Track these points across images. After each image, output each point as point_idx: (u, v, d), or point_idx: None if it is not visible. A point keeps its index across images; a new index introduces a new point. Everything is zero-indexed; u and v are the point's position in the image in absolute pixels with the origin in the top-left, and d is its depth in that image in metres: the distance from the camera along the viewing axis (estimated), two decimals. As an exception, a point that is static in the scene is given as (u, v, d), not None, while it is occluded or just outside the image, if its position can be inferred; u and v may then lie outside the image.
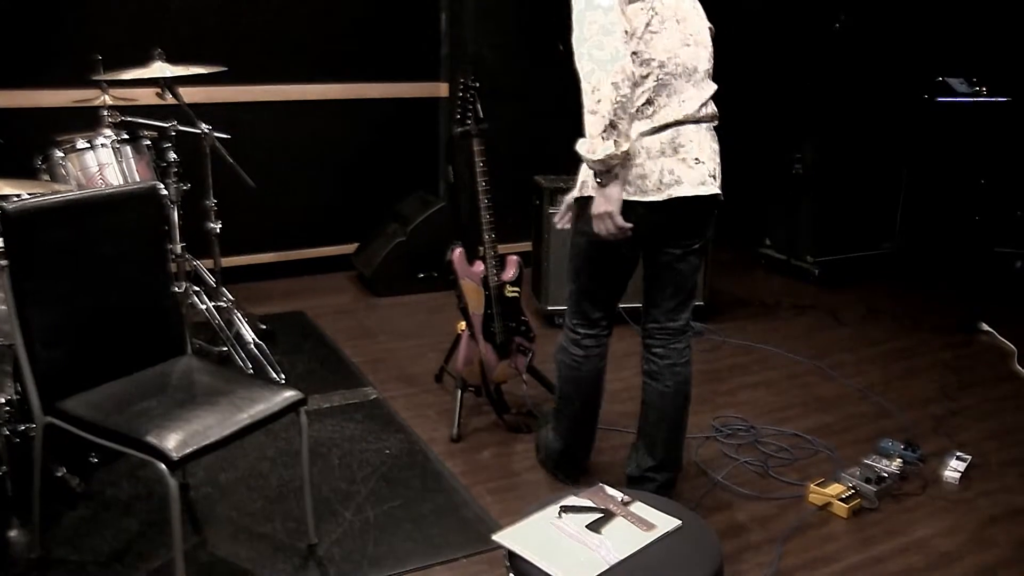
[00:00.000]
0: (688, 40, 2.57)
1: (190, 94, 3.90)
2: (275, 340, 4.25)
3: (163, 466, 2.23)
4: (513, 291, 3.44)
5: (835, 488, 3.08)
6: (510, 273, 3.51)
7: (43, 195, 2.52)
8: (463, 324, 3.63)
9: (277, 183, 5.03)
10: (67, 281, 2.49)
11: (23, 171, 3.53)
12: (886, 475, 3.15)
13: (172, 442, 2.26)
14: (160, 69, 3.66)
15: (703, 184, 2.58)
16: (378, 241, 5.13)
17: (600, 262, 2.73)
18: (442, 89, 5.42)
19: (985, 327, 4.70)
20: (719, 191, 2.64)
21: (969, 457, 3.34)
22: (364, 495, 3.04)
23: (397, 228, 5.08)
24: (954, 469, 3.28)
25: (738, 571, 2.70)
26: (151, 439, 2.26)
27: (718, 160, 2.65)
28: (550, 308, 4.60)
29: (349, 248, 5.34)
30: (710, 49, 2.65)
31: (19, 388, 2.90)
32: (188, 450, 2.26)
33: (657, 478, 2.89)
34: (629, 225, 2.53)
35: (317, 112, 5.12)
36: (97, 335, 2.57)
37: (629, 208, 2.53)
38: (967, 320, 4.79)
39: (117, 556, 2.64)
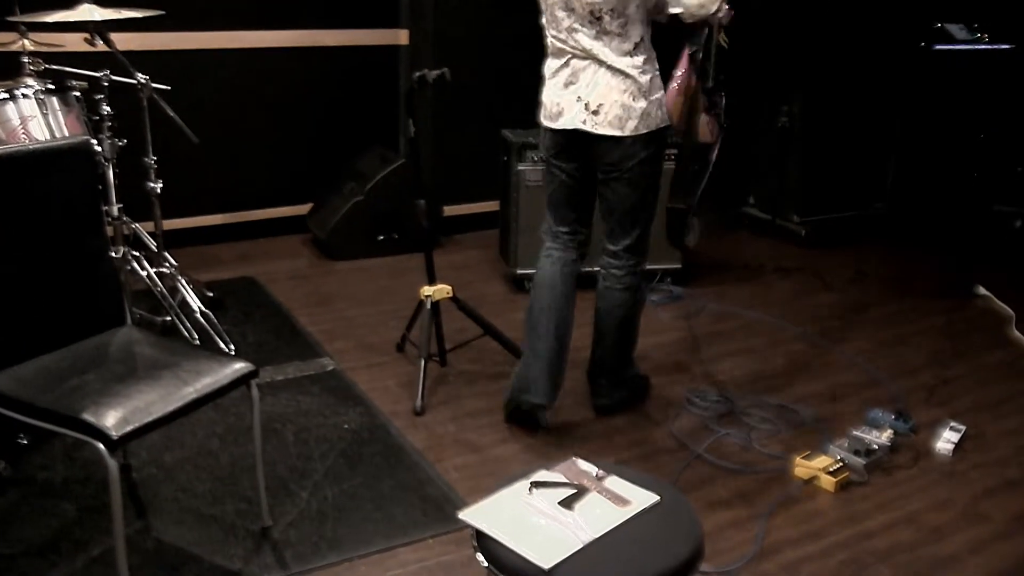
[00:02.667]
0: None
1: (124, 40, 3.81)
2: (223, 308, 4.22)
3: (101, 446, 2.21)
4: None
5: (822, 461, 3.12)
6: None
7: (-40, 151, 2.47)
8: (425, 289, 3.62)
9: (223, 138, 4.96)
10: (-9, 246, 2.45)
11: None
12: (876, 447, 3.19)
13: (111, 420, 2.24)
14: (88, 12, 3.55)
15: (584, 122, 3.05)
16: (334, 201, 5.09)
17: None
18: (402, 36, 5.36)
19: (982, 290, 4.76)
20: (606, 132, 3.03)
21: (963, 428, 3.40)
22: (321, 473, 3.03)
23: (354, 187, 5.05)
24: (947, 440, 3.33)
25: (720, 549, 2.73)
26: (87, 417, 2.24)
27: (616, 99, 3.00)
28: (519, 272, 4.60)
29: (303, 209, 5.30)
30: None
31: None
32: (129, 428, 2.24)
33: (599, 394, 3.44)
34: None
35: (266, 61, 5.04)
36: (26, 306, 2.52)
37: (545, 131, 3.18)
38: (962, 283, 4.85)
39: (51, 546, 2.62)
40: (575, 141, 3.12)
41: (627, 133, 3.02)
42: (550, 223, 3.34)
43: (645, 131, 3.03)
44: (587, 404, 3.52)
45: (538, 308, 3.27)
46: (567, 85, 3.08)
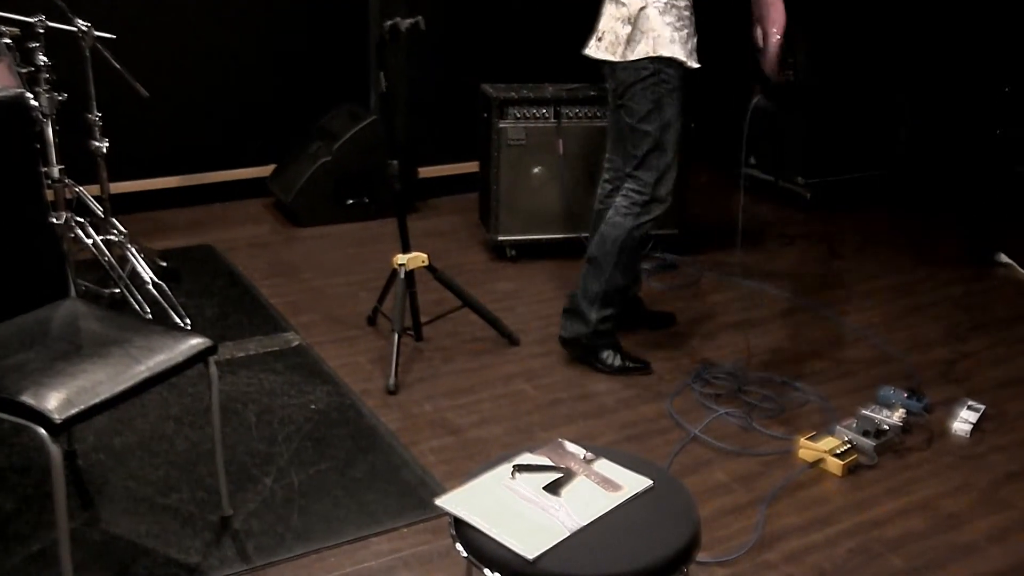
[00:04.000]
0: None
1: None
2: (178, 279, 4.20)
3: (43, 431, 2.19)
4: None
5: (828, 442, 3.13)
6: None
7: None
8: (399, 257, 3.61)
9: (177, 92, 4.92)
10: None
11: None
12: (886, 427, 3.21)
13: (53, 402, 2.22)
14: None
15: (590, 47, 3.51)
16: (299, 162, 5.06)
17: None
18: (372, -20, 5.31)
19: (1003, 258, 4.78)
20: (603, 56, 3.44)
21: (982, 407, 3.41)
22: (287, 458, 3.03)
23: (321, 146, 5.02)
24: (964, 420, 3.35)
25: (718, 537, 2.75)
26: (27, 399, 2.22)
27: (612, 26, 3.40)
28: (501, 239, 4.59)
29: (265, 170, 5.27)
30: None
31: None
32: (73, 411, 2.22)
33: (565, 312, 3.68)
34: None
35: (224, 8, 4.99)
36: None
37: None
38: (981, 250, 4.86)
39: (-11, 538, 2.62)
40: (601, 71, 3.55)
41: (617, 58, 3.40)
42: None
43: (633, 58, 3.35)
44: (575, 382, 3.53)
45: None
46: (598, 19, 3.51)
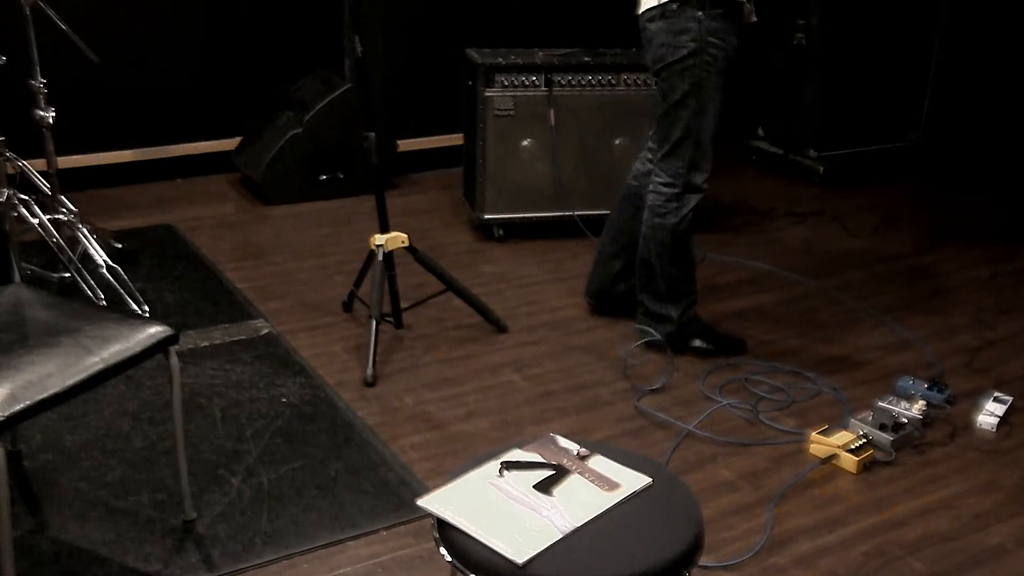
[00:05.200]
0: None
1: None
2: (135, 262, 4.19)
3: (-15, 427, 2.18)
4: None
5: (842, 437, 3.14)
6: None
7: None
8: (377, 238, 3.61)
9: (132, 57, 4.91)
10: None
11: None
12: (905, 420, 3.22)
13: (-2, 395, 2.21)
14: None
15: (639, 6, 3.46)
16: (267, 134, 5.05)
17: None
18: (346, -65, 5.29)
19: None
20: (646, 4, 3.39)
21: (1009, 399, 3.43)
22: (255, 456, 3.03)
23: (291, 117, 5.01)
24: (990, 413, 3.36)
25: (722, 539, 2.76)
26: (-31, 392, 2.21)
27: None
28: (487, 217, 4.58)
29: (230, 144, 5.26)
30: None
31: None
32: (18, 407, 2.21)
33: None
34: None
35: (182, -35, 4.98)
36: None
37: None
38: (1011, 229, 4.87)
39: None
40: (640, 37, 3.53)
41: (642, 9, 3.39)
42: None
43: (656, 3, 3.32)
44: (567, 372, 3.54)
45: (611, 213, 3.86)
46: None
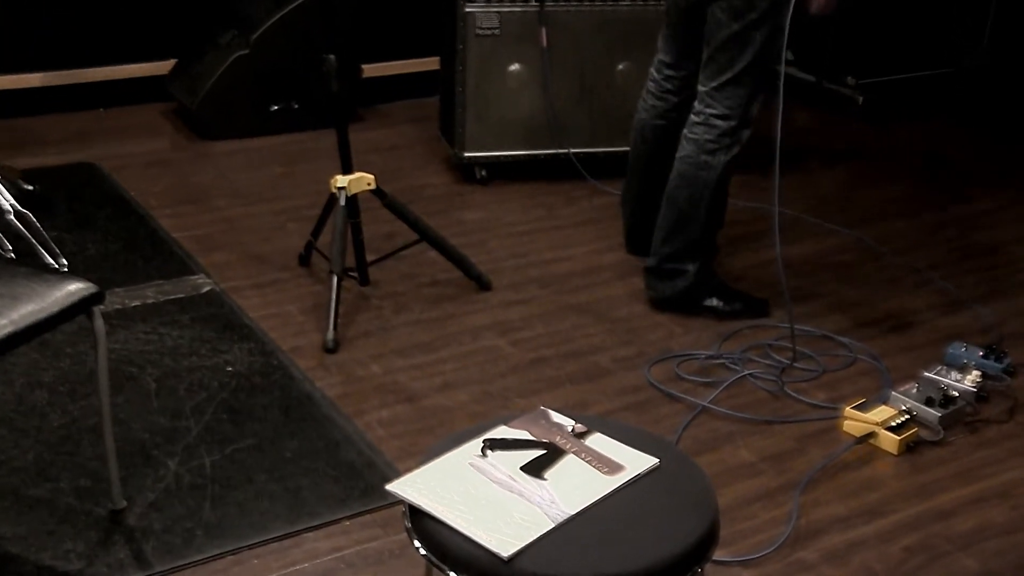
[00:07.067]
0: None
1: None
2: (51, 208, 4.18)
3: None
4: None
5: (881, 412, 3.16)
6: None
7: None
8: (338, 179, 3.60)
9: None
10: None
11: None
12: (956, 394, 3.23)
13: None
14: None
15: None
16: (208, 56, 5.03)
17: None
18: None
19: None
20: None
21: (1077, 368, 3.46)
22: (196, 434, 3.03)
23: (235, 36, 4.98)
24: (1053, 384, 3.39)
25: (741, 530, 2.78)
26: None
27: None
28: (468, 155, 4.57)
29: (163, 67, 5.24)
30: None
31: None
32: (-81, 372, 2.22)
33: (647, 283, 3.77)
34: None
35: None
36: None
37: None
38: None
39: None
40: None
41: None
42: (658, 49, 3.82)
43: None
44: (561, 336, 3.54)
45: (631, 156, 3.93)
46: None
